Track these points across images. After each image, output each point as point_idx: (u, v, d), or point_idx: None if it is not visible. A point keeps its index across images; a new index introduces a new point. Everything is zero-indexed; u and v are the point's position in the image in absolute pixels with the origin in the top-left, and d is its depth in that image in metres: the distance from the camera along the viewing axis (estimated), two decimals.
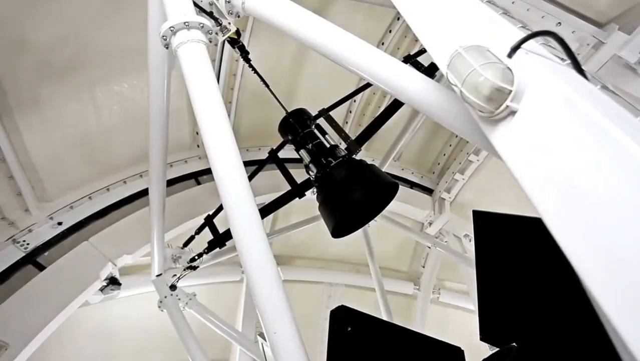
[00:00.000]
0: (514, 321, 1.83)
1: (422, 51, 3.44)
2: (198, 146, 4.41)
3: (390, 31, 4.36)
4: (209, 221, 3.24)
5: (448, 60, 0.97)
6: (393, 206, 5.16)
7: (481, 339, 1.91)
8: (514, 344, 1.78)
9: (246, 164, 3.38)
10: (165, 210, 3.57)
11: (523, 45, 0.89)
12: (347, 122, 4.97)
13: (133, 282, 3.72)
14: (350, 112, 4.90)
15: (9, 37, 2.70)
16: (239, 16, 1.96)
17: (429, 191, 5.48)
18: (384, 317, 4.21)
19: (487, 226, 1.94)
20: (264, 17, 1.77)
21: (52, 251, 3.27)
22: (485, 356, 1.90)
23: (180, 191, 4.01)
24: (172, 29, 1.66)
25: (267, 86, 2.74)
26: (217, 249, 3.24)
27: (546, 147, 0.69)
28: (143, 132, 3.93)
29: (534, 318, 1.75)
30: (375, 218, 2.91)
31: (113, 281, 3.40)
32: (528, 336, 1.75)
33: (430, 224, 5.14)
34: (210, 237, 3.24)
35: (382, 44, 4.43)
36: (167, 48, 1.72)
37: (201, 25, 1.69)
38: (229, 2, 1.92)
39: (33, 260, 3.16)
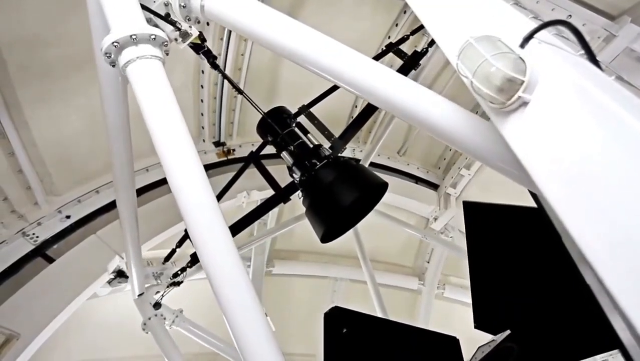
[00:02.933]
0: (506, 309, 1.85)
1: (404, 39, 3.35)
2: (204, 140, 4.43)
3: (396, 25, 4.32)
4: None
5: (458, 51, 0.95)
6: (398, 201, 5.18)
7: (475, 327, 1.93)
8: (508, 331, 1.80)
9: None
10: (168, 207, 3.56)
11: (536, 35, 0.88)
12: (352, 117, 4.95)
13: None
14: (356, 106, 4.88)
15: (19, 33, 2.72)
16: (199, 22, 1.71)
17: (434, 186, 5.45)
18: (378, 312, 4.22)
19: (478, 216, 1.96)
20: (229, 23, 1.54)
21: (60, 244, 3.31)
22: (482, 344, 1.91)
23: None
24: (115, 44, 1.36)
25: (240, 91, 2.60)
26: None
27: (560, 138, 0.68)
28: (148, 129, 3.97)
29: (526, 305, 1.77)
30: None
31: (120, 274, 3.44)
32: (521, 322, 1.77)
33: (435, 219, 5.13)
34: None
35: (389, 37, 4.39)
36: (113, 66, 1.43)
37: (153, 37, 1.40)
38: (184, 6, 1.64)
39: (42, 253, 3.21)
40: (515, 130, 0.81)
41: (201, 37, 1.91)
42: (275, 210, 4.76)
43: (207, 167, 4.33)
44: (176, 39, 1.71)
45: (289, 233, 4.94)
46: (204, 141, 4.42)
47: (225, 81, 4.10)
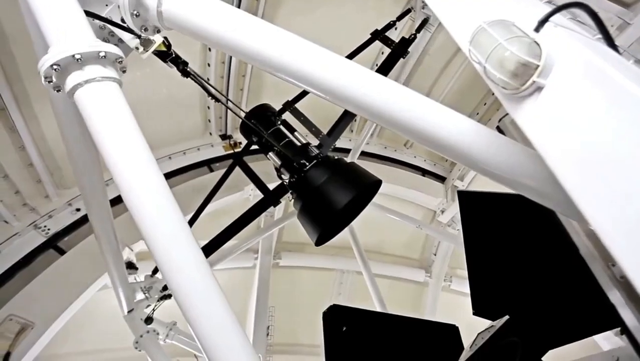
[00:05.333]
0: (504, 294, 1.87)
1: (390, 25, 3.24)
2: (210, 133, 4.44)
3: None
4: None
5: (471, 36, 0.93)
6: (404, 193, 5.16)
7: (474, 313, 1.95)
8: (507, 316, 1.81)
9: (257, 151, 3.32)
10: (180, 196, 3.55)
11: (551, 19, 0.85)
12: None
13: (149, 267, 3.81)
14: None
15: (26, 27, 2.73)
16: (158, 31, 1.47)
17: (441, 178, 5.42)
18: (377, 306, 4.24)
19: (472, 204, 1.96)
20: (195, 32, 1.29)
21: (71, 236, 3.37)
22: (481, 330, 1.93)
23: (194, 178, 4.07)
24: (55, 67, 1.12)
25: (216, 98, 2.33)
26: None
27: (577, 123, 0.67)
28: (156, 120, 3.98)
29: (523, 289, 1.79)
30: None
31: (130, 266, 3.49)
32: (519, 307, 1.78)
33: (442, 212, 5.11)
34: None
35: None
36: (58, 91, 1.19)
37: (102, 54, 1.16)
38: (137, 15, 1.35)
39: (54, 245, 3.27)
40: (530, 116, 0.80)
41: (166, 43, 1.70)
42: (282, 202, 4.77)
43: (214, 160, 4.35)
44: (137, 48, 1.45)
45: (295, 225, 4.95)
46: (210, 134, 4.43)
47: (232, 74, 4.09)
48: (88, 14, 1.30)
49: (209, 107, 4.28)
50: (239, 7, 3.61)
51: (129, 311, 2.86)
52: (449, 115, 1.06)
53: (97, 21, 1.36)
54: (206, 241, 3.16)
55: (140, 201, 1.11)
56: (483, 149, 1.00)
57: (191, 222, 2.88)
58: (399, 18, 3.41)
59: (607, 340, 3.28)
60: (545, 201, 0.96)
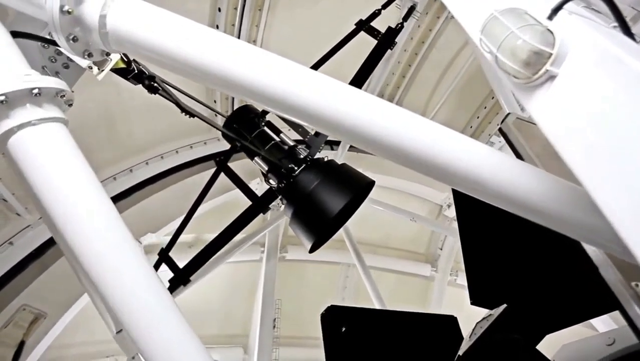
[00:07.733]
0: (501, 283, 1.87)
1: (375, 14, 3.06)
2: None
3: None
4: (164, 256, 2.61)
5: (482, 25, 0.92)
6: (409, 187, 5.13)
7: (472, 303, 1.95)
8: (505, 305, 1.82)
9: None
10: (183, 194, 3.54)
11: (565, 7, 0.84)
12: None
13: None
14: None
15: None
16: (108, 54, 1.22)
17: None
18: (374, 301, 4.26)
19: (468, 197, 1.96)
20: (149, 54, 1.06)
21: None
22: (479, 320, 1.94)
23: (201, 172, 4.10)
24: None
25: (192, 114, 2.37)
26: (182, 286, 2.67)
27: (591, 113, 0.66)
28: (163, 115, 4.00)
29: (520, 276, 1.79)
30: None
31: None
32: (516, 295, 1.79)
33: (449, 206, 5.09)
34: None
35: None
36: None
37: (35, 92, 0.93)
38: (75, 39, 1.05)
39: None
40: (542, 106, 0.79)
41: (125, 59, 1.50)
42: None
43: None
44: (90, 67, 1.25)
45: None
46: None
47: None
48: (18, 34, 1.05)
49: (215, 101, 4.29)
50: (240, 23, 3.58)
51: (118, 331, 2.64)
52: (450, 136, 1.01)
53: (29, 42, 1.13)
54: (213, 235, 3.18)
55: (105, 275, 0.99)
56: (500, 178, 0.95)
57: (184, 223, 2.75)
58: (384, 6, 3.14)
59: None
60: (573, 232, 0.91)
